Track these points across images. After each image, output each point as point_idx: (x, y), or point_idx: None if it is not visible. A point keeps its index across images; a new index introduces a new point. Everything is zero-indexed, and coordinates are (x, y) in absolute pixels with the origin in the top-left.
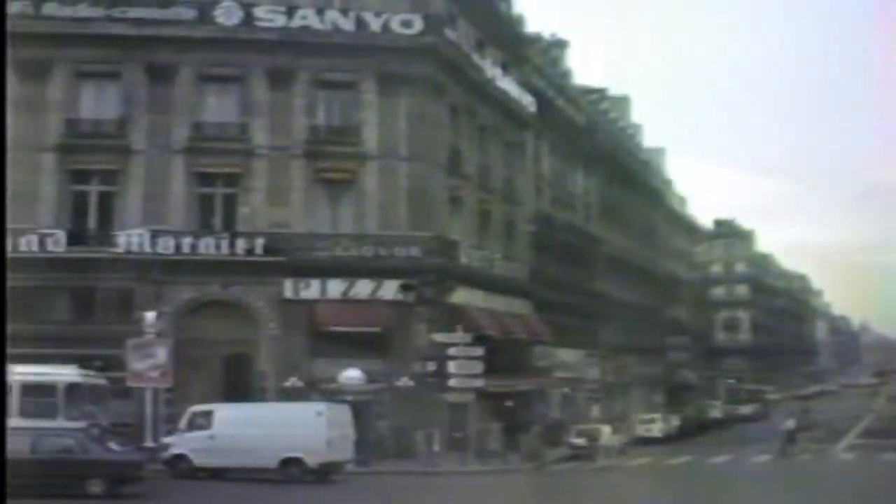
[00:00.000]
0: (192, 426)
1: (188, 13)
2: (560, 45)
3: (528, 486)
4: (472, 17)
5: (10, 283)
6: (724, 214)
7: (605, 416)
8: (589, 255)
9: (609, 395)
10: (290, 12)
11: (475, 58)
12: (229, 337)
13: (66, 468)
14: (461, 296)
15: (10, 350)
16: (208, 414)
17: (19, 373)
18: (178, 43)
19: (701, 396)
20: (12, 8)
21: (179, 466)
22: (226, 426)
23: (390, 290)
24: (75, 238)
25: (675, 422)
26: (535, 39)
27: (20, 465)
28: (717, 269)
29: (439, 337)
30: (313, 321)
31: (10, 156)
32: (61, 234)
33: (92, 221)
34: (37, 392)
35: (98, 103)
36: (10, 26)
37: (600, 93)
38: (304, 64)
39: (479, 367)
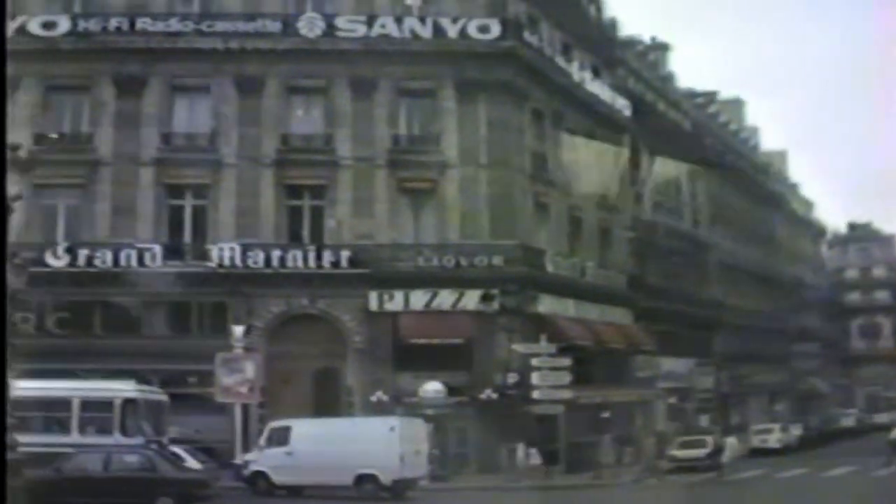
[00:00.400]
0: (271, 442)
1: (273, 25)
2: (661, 48)
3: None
4: (556, 21)
5: (110, 299)
6: (858, 217)
7: (719, 426)
8: (698, 261)
9: (723, 406)
10: (370, 21)
11: (560, 61)
12: (318, 351)
13: (136, 486)
14: (547, 305)
15: (110, 365)
16: (286, 430)
17: (77, 388)
18: (264, 55)
19: (830, 405)
20: (111, 23)
21: (259, 484)
22: (303, 442)
23: (472, 300)
24: (171, 252)
25: (796, 431)
26: (631, 43)
27: (93, 483)
28: (851, 273)
29: (521, 348)
30: (397, 333)
31: (110, 170)
32: (157, 249)
33: (187, 236)
34: (94, 408)
35: (191, 117)
36: (108, 42)
37: (709, 96)
38: (385, 73)
39: (565, 378)
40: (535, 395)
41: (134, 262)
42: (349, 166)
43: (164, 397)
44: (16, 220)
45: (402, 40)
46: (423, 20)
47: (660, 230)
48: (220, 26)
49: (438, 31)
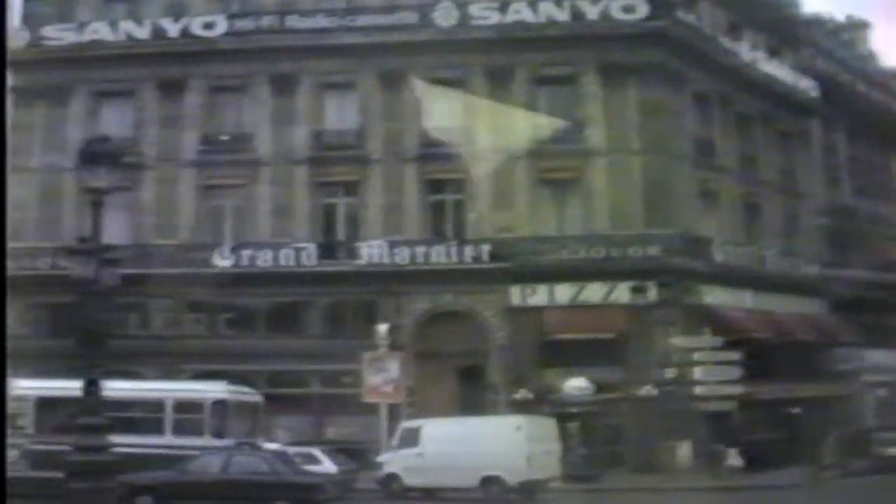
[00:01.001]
0: (403, 443)
1: (410, 17)
2: (857, 26)
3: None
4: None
5: (270, 299)
6: None
7: None
8: None
9: None
10: (504, 8)
11: (725, 42)
12: (462, 348)
13: (254, 489)
14: (716, 296)
15: (266, 367)
16: (417, 430)
17: (171, 389)
18: (403, 48)
19: None
20: (263, 21)
21: (391, 486)
22: (432, 443)
23: (624, 292)
24: (325, 251)
25: None
26: (818, 22)
27: (214, 485)
28: None
29: (682, 341)
30: (541, 329)
31: (269, 169)
32: (313, 248)
33: (339, 234)
34: (186, 409)
35: (339, 114)
36: (262, 41)
37: None
38: (522, 60)
39: (734, 373)
40: (700, 390)
41: (292, 262)
42: (488, 158)
43: (258, 398)
44: (186, 220)
45: (537, 25)
46: (559, 3)
47: (860, 215)
48: (362, 20)
49: (577, 14)
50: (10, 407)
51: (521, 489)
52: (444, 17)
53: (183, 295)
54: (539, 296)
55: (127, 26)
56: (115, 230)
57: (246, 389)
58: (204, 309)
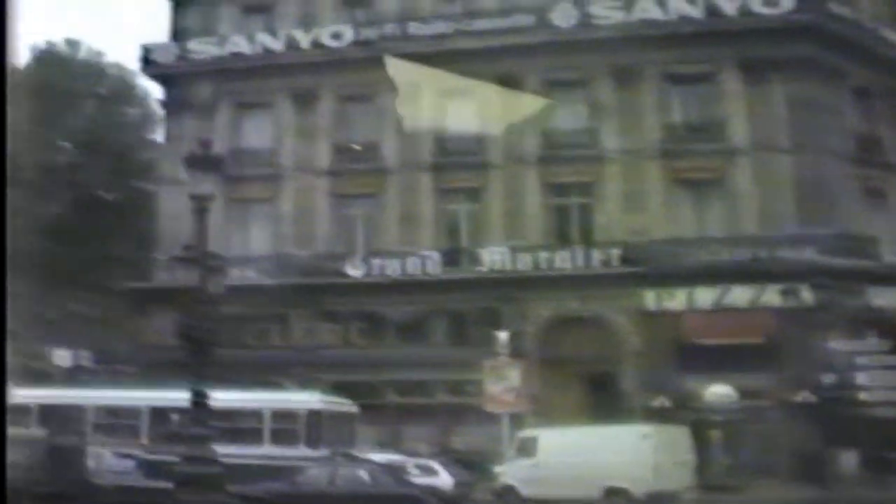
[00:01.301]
0: (519, 453)
1: (526, 19)
2: None
3: None
4: None
5: (399, 308)
6: None
7: None
8: None
9: None
10: (628, 6)
11: (888, 33)
12: (590, 355)
13: (356, 501)
14: (887, 298)
15: (395, 376)
16: (533, 440)
17: (268, 399)
18: (521, 51)
19: None
20: (387, 29)
21: (507, 498)
22: (549, 453)
23: (774, 295)
24: (448, 258)
25: None
26: None
27: (321, 497)
28: None
29: (843, 345)
30: (680, 334)
31: (394, 178)
32: (436, 256)
33: (461, 240)
34: (282, 419)
35: (460, 119)
36: (386, 49)
37: None
38: (651, 59)
39: None
40: (865, 396)
41: (418, 270)
42: (616, 160)
43: (353, 409)
44: (321, 230)
45: (669, 23)
46: (692, 0)
47: None
48: (478, 25)
49: (712, 9)
50: (125, 417)
51: (648, 501)
52: (563, 17)
53: (318, 305)
54: (678, 300)
55: (263, 38)
56: (257, 240)
57: (340, 399)
58: (337, 319)
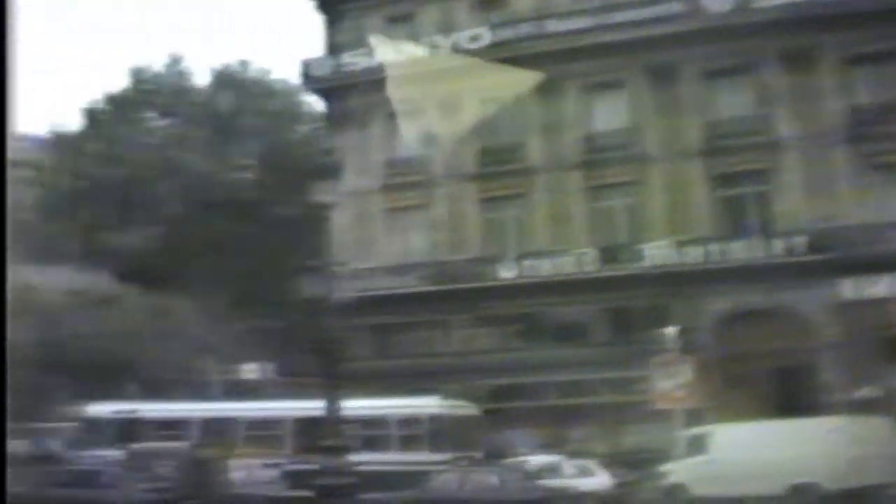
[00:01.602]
0: (691, 451)
1: (675, 6)
2: None
3: None
4: None
5: (554, 308)
6: None
7: None
8: None
9: None
10: None
11: None
12: (774, 348)
13: None
14: None
15: (556, 377)
16: (706, 437)
17: (392, 406)
18: (672, 41)
19: None
20: (523, 29)
21: (676, 497)
22: (725, 450)
23: None
24: (605, 255)
25: None
26: None
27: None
28: None
29: None
30: (886, 322)
31: (541, 177)
32: (593, 253)
33: (618, 237)
34: (405, 425)
35: (607, 115)
36: (522, 49)
37: None
38: (826, 40)
39: None
40: None
41: (574, 269)
42: (794, 146)
43: (473, 412)
44: (473, 233)
45: (841, 1)
46: None
47: None
48: (621, 16)
49: None
50: (270, 428)
51: (844, 497)
52: (716, 1)
53: (474, 309)
54: (881, 286)
55: (406, 48)
56: (413, 247)
57: (461, 403)
58: (492, 322)
